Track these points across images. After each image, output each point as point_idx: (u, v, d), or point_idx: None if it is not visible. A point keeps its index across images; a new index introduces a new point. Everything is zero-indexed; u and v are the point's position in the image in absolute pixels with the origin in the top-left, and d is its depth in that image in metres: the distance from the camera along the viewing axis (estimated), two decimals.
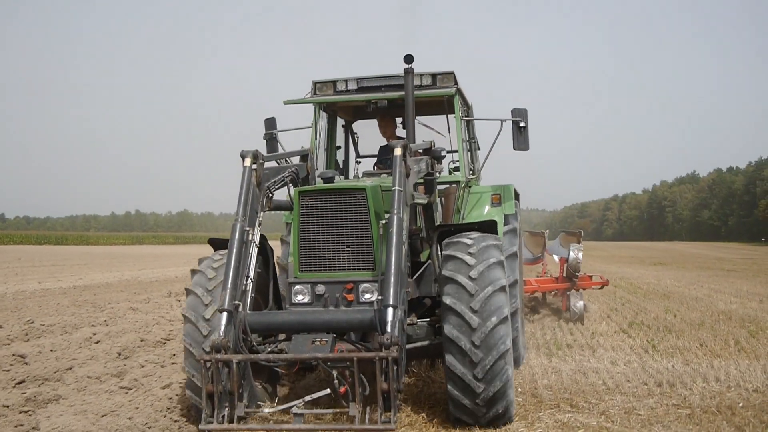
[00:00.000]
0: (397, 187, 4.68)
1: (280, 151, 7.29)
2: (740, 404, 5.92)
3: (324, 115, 7.61)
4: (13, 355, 7.70)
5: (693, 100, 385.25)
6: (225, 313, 4.46)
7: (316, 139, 7.23)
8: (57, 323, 10.22)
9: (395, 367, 3.98)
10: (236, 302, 4.55)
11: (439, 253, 5.53)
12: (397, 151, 4.87)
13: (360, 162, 8.42)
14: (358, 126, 8.51)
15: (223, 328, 4.41)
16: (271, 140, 7.49)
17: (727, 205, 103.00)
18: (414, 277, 5.68)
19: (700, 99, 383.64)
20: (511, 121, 6.91)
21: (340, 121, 8.15)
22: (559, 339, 9.53)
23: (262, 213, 5.13)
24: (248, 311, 4.71)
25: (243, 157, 5.03)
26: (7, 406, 5.58)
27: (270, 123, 7.55)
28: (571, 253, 11.49)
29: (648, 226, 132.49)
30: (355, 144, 8.48)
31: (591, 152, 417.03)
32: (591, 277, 12.36)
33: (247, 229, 4.83)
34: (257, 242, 4.97)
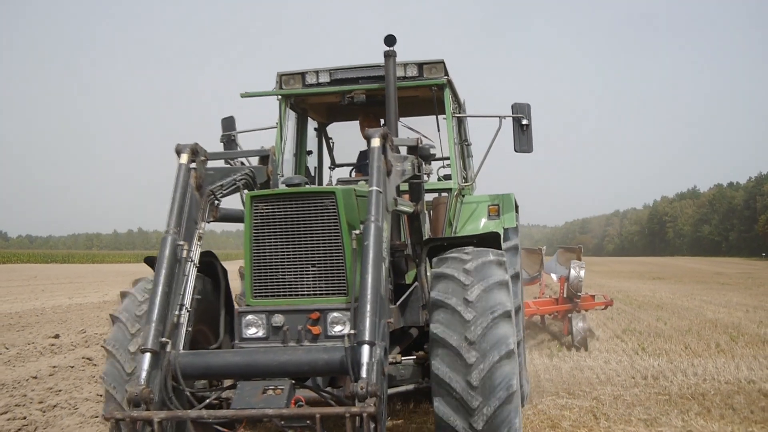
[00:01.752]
0: (374, 188, 3.64)
1: None
2: (711, 392, 7.05)
3: (292, 114, 6.64)
4: (82, 358, 8.89)
5: (693, 115, 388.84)
6: (148, 354, 3.47)
7: (281, 141, 6.34)
8: (108, 332, 11.35)
9: (372, 425, 3.03)
10: (163, 339, 3.55)
11: (428, 273, 4.62)
12: (375, 142, 3.81)
13: (334, 169, 7.45)
14: (335, 130, 7.56)
15: (144, 374, 3.42)
16: (230, 142, 6.53)
17: (728, 220, 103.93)
18: (398, 303, 4.72)
19: (701, 114, 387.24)
20: (511, 119, 6.02)
21: (313, 124, 7.30)
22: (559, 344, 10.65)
23: (203, 224, 4.12)
24: (181, 350, 3.69)
25: (178, 152, 4.07)
26: (101, 395, 6.71)
27: (228, 123, 6.58)
28: (572, 272, 10.64)
29: (649, 241, 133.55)
30: (330, 150, 7.53)
31: (592, 168, 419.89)
32: (594, 296, 11.61)
33: (181, 243, 3.82)
34: (195, 261, 3.97)
